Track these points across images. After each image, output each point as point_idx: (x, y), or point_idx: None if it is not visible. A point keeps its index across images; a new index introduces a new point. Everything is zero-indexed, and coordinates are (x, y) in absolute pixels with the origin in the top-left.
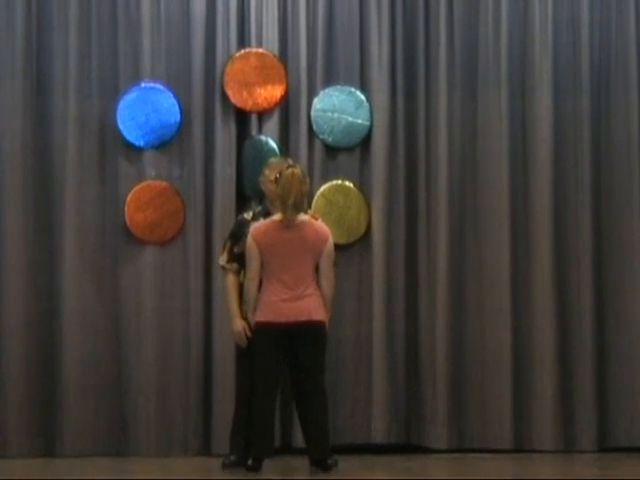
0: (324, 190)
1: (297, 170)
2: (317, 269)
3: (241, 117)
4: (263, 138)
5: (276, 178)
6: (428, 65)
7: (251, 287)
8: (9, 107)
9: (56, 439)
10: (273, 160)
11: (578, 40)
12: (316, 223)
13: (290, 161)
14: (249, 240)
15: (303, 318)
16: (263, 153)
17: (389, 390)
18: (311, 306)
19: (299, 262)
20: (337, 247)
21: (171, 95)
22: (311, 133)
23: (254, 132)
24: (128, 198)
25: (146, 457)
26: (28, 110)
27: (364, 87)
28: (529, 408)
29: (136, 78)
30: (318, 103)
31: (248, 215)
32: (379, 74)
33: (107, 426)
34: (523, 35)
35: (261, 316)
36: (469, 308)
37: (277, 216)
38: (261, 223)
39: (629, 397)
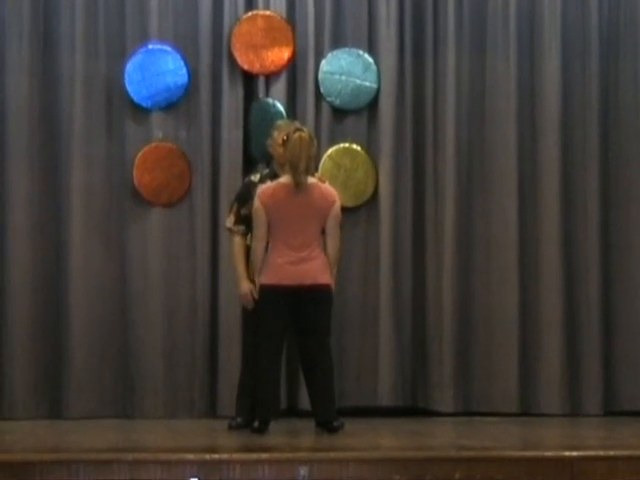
0: (331, 153)
1: (304, 134)
2: (324, 231)
3: (248, 79)
4: (270, 101)
5: (284, 141)
6: (436, 26)
7: (258, 248)
8: (16, 67)
9: (62, 401)
10: (281, 122)
11: (587, 0)
12: (323, 186)
13: (297, 124)
14: (256, 202)
15: (308, 281)
16: (270, 115)
17: (395, 353)
18: (317, 269)
19: (305, 225)
20: (344, 210)
21: (178, 57)
22: (318, 96)
23: (261, 95)
24: (135, 160)
25: (152, 419)
26: (35, 70)
27: (372, 48)
28: (535, 372)
29: (143, 39)
30: (326, 65)
31: (255, 177)
32: (387, 35)
33: (113, 388)
34: None
35: (266, 279)
36: (476, 270)
37: (284, 179)
38: (268, 185)
39: (635, 361)
